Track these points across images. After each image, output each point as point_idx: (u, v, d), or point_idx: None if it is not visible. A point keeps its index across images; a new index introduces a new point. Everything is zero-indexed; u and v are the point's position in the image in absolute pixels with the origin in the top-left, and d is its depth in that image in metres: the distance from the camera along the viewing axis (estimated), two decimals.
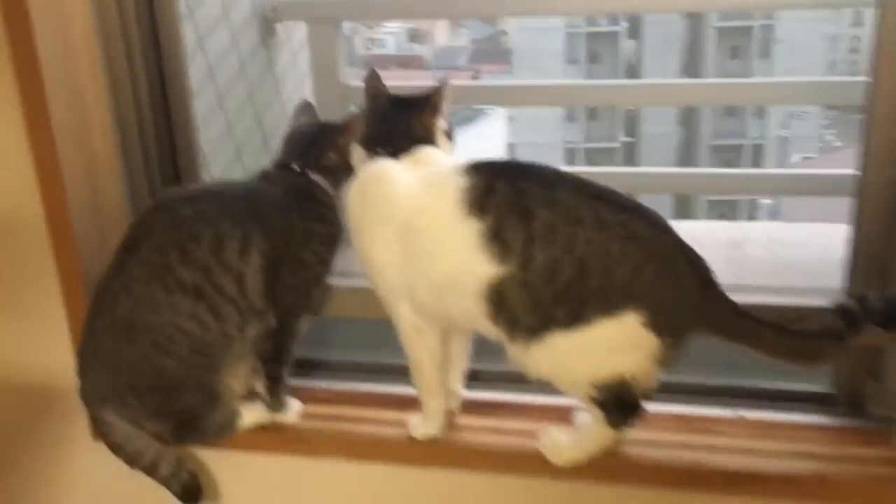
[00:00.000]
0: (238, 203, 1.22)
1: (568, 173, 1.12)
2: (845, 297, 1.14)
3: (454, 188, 1.10)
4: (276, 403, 1.32)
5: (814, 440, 1.23)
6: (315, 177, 1.27)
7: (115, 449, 1.27)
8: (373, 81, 1.27)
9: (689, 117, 14.72)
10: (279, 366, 1.29)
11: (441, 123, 1.23)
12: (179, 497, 1.29)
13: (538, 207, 1.07)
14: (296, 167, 1.28)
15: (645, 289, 1.06)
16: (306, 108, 1.38)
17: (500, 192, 1.08)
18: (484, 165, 1.12)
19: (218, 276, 1.18)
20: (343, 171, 1.26)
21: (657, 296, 1.06)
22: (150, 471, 1.28)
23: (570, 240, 1.06)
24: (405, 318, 1.19)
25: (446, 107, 1.23)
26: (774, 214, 9.13)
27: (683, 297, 1.08)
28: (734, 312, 1.10)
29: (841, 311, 1.10)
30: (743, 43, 14.57)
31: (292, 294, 1.24)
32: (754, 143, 14.41)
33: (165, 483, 1.29)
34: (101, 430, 1.26)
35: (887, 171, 1.18)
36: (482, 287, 1.09)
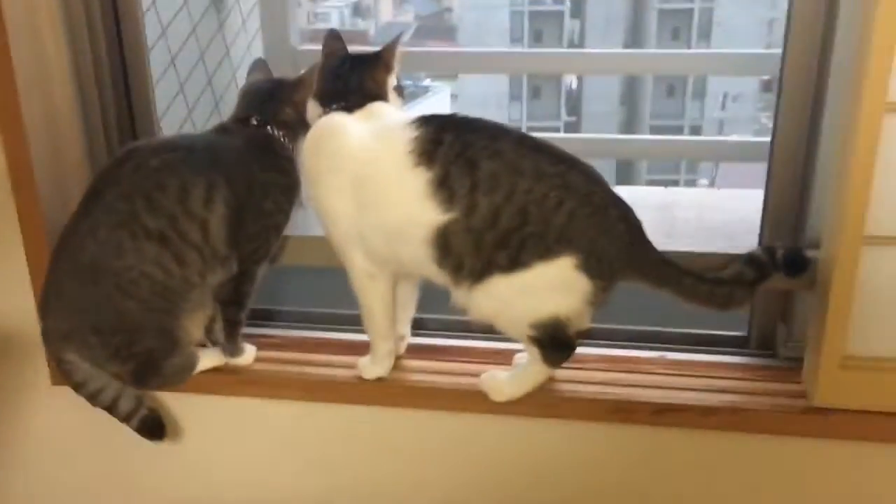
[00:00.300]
0: (202, 154, 1.27)
1: (510, 127, 1.20)
2: (756, 249, 1.25)
3: (404, 140, 1.18)
4: (233, 347, 1.38)
5: (729, 377, 1.35)
6: (273, 130, 1.33)
7: (77, 387, 1.31)
8: (330, 41, 1.32)
9: (630, 97, 14.97)
10: (238, 309, 1.35)
11: (392, 80, 1.30)
12: (139, 431, 1.34)
13: (482, 158, 1.15)
14: (254, 121, 1.33)
15: (579, 235, 1.15)
16: (260, 65, 1.43)
17: (447, 143, 1.16)
18: (432, 119, 1.19)
19: (183, 223, 1.23)
20: (299, 125, 1.33)
21: (590, 242, 1.16)
22: (111, 408, 1.33)
23: (510, 188, 1.14)
24: (357, 265, 1.26)
25: (398, 64, 1.30)
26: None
27: (614, 244, 1.17)
28: (659, 260, 1.20)
29: (751, 261, 1.22)
30: (683, 24, 14.83)
31: (253, 241, 1.30)
32: (693, 125, 14.73)
33: (126, 419, 1.34)
34: (62, 370, 1.31)
35: (794, 136, 1.29)
36: (430, 233, 1.17)
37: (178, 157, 1.26)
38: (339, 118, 1.25)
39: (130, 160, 1.26)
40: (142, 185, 1.23)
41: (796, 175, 1.31)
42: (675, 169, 12.89)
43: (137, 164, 1.25)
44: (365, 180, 1.20)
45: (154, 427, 1.35)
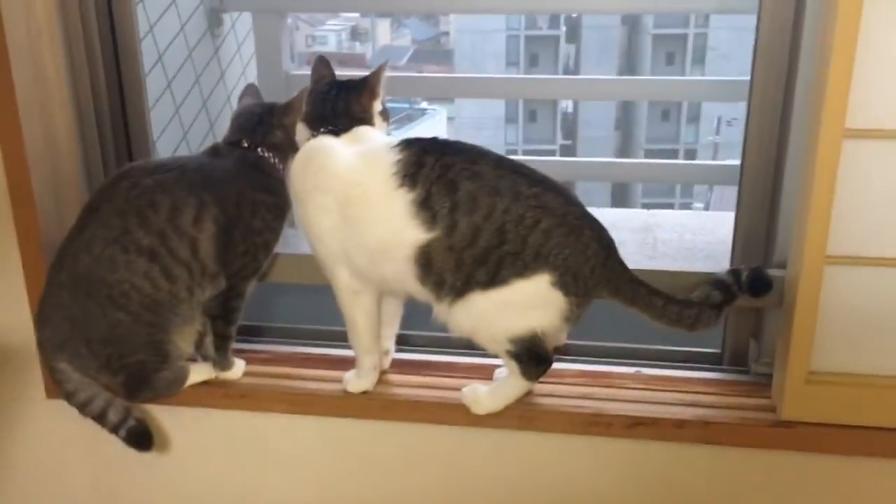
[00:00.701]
0: (194, 175, 1.32)
1: (488, 150, 1.25)
2: (722, 272, 1.30)
3: (388, 162, 1.23)
4: (222, 361, 1.43)
5: (702, 391, 1.40)
6: (263, 152, 1.39)
7: (68, 396, 1.36)
8: (319, 67, 1.38)
9: (625, 122, 15.09)
10: (227, 324, 1.39)
11: (377, 105, 1.36)
12: (126, 441, 1.37)
13: (462, 179, 1.20)
14: (245, 144, 1.39)
15: (554, 253, 1.20)
16: (251, 90, 1.49)
17: (429, 165, 1.21)
18: (414, 142, 1.25)
19: (172, 240, 1.29)
20: (288, 147, 1.38)
21: (565, 260, 1.21)
22: (100, 418, 1.36)
23: (489, 208, 1.20)
24: (343, 282, 1.31)
25: (383, 90, 1.36)
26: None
27: (588, 262, 1.22)
28: (630, 280, 1.25)
29: (717, 284, 1.28)
30: (678, 50, 14.98)
31: (242, 258, 1.35)
32: (687, 148, 14.84)
33: (114, 430, 1.36)
34: (55, 378, 1.35)
35: (762, 161, 1.35)
36: (412, 251, 1.22)
37: (171, 177, 1.31)
38: (326, 141, 1.30)
39: (126, 179, 1.31)
40: (135, 202, 1.28)
41: (765, 198, 1.37)
42: (670, 192, 12.98)
43: (133, 182, 1.30)
44: (350, 200, 1.25)
45: (141, 437, 1.38)
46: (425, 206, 1.21)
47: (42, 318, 1.34)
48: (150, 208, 1.28)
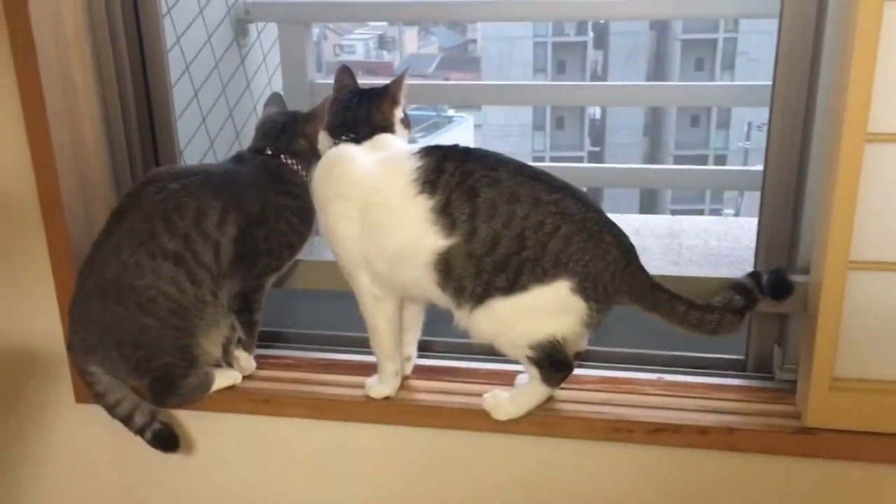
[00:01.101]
0: (219, 181, 1.35)
1: (509, 157, 1.26)
2: (743, 276, 1.29)
3: (408, 169, 1.24)
4: (249, 344, 1.45)
5: (725, 398, 1.38)
6: (286, 159, 1.41)
7: (97, 398, 1.39)
8: (342, 76, 1.39)
9: (654, 128, 15.00)
10: (251, 313, 1.41)
11: (399, 113, 1.37)
12: (152, 443, 1.40)
13: (482, 186, 1.21)
14: (269, 151, 1.41)
15: (574, 259, 1.20)
16: (276, 99, 1.52)
17: (448, 172, 1.22)
18: (434, 149, 1.26)
19: (197, 244, 1.31)
20: (311, 154, 1.41)
21: (585, 266, 1.21)
22: (126, 420, 1.39)
23: (509, 215, 1.20)
24: (364, 287, 1.32)
25: (404, 98, 1.37)
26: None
27: (608, 268, 1.22)
28: (651, 285, 1.25)
29: (738, 288, 1.27)
30: (707, 55, 14.88)
31: (266, 256, 1.38)
32: (717, 154, 14.72)
33: (139, 432, 1.39)
34: (85, 381, 1.39)
35: (785, 166, 1.34)
36: (432, 257, 1.23)
37: (196, 181, 1.34)
38: (347, 149, 1.32)
39: (152, 184, 1.34)
40: (161, 206, 1.31)
41: (788, 203, 1.36)
42: (699, 198, 12.88)
43: (158, 187, 1.33)
44: (371, 207, 1.26)
45: (167, 439, 1.41)
46: (445, 212, 1.21)
47: (73, 322, 1.37)
48: (176, 212, 1.31)
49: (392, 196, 1.25)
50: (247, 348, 1.46)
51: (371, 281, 1.31)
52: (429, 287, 1.26)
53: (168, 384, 1.38)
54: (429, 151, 1.26)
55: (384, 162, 1.28)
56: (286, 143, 1.41)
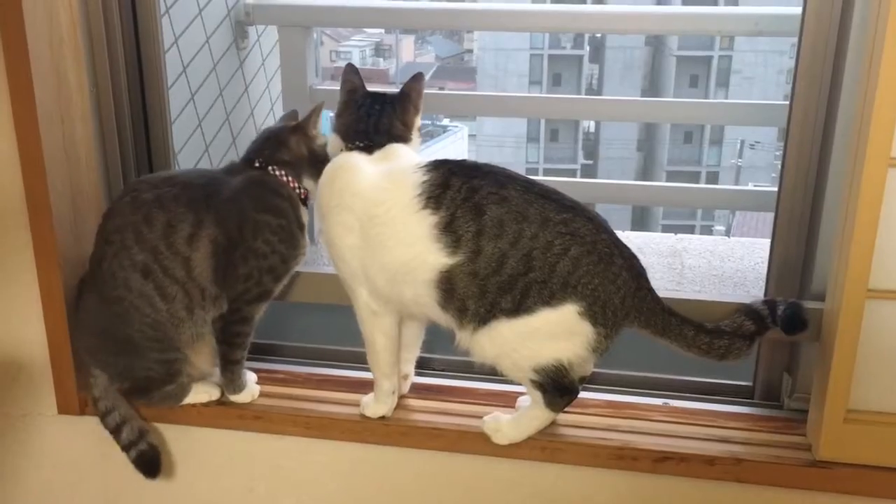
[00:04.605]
0: (196, 193, 1.29)
1: (517, 174, 1.21)
2: (757, 301, 1.25)
3: (413, 183, 1.19)
4: (228, 384, 1.38)
5: (733, 426, 1.34)
6: (274, 171, 1.34)
7: (94, 402, 1.38)
8: (349, 75, 1.33)
9: (647, 143, 15.05)
10: (231, 348, 1.35)
11: (419, 121, 1.31)
12: (135, 463, 1.36)
13: (489, 204, 1.16)
14: (257, 163, 1.35)
15: (583, 283, 1.16)
16: (291, 116, 1.43)
17: (455, 188, 1.18)
18: (442, 164, 1.21)
19: (166, 258, 1.27)
20: (303, 165, 1.34)
21: (594, 290, 1.16)
22: (115, 432, 1.36)
23: (516, 235, 1.16)
24: (363, 302, 1.28)
25: (423, 103, 1.32)
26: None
27: (618, 292, 1.18)
28: (661, 309, 1.21)
29: (751, 313, 1.23)
30: (702, 72, 14.94)
31: (244, 281, 1.30)
32: (710, 171, 14.78)
33: (125, 448, 1.36)
34: (88, 382, 1.38)
35: (800, 189, 1.30)
36: (434, 275, 1.18)
37: (172, 192, 1.28)
38: (353, 158, 1.27)
39: (130, 193, 1.30)
40: (132, 217, 1.27)
41: (802, 227, 1.32)
42: (691, 215, 12.90)
43: (134, 196, 1.29)
44: (373, 220, 1.22)
45: (149, 462, 1.37)
46: (449, 229, 1.17)
47: (76, 326, 1.38)
48: (146, 223, 1.27)
49: (395, 209, 1.20)
50: (226, 389, 1.39)
51: (369, 295, 1.27)
52: (429, 305, 1.22)
53: (142, 390, 1.37)
54: (436, 165, 1.21)
55: (390, 174, 1.24)
56: (270, 154, 1.35)
